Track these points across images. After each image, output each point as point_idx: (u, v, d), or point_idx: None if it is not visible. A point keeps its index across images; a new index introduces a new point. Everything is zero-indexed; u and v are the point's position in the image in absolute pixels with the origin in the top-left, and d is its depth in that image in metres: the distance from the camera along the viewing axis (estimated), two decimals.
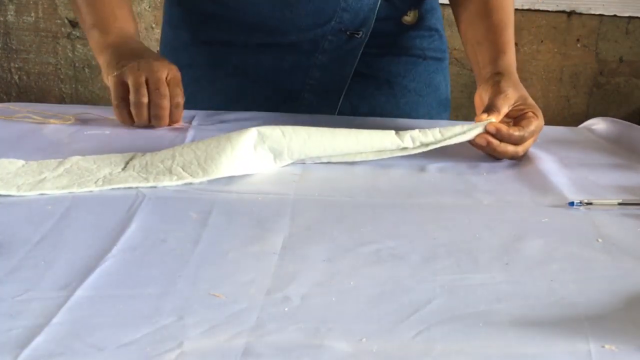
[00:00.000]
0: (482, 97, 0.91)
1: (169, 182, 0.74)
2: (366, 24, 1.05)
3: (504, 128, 0.84)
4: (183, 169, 0.76)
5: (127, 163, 0.78)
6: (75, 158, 0.79)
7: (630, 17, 2.50)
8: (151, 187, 0.73)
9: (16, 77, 2.61)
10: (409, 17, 1.10)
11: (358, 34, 1.05)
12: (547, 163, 0.87)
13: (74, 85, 2.61)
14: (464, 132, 0.84)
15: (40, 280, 0.54)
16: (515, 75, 0.94)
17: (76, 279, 0.54)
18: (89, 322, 0.48)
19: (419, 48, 1.14)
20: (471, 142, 0.85)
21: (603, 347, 0.48)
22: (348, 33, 1.05)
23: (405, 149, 0.84)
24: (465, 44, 1.04)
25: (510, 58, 0.96)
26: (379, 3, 1.04)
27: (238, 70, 1.09)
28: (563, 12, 2.50)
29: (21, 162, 0.78)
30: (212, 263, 0.58)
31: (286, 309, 0.51)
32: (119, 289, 0.53)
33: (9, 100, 2.57)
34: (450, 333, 0.49)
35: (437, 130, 0.84)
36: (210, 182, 0.75)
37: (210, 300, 0.52)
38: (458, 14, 1.07)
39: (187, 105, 1.05)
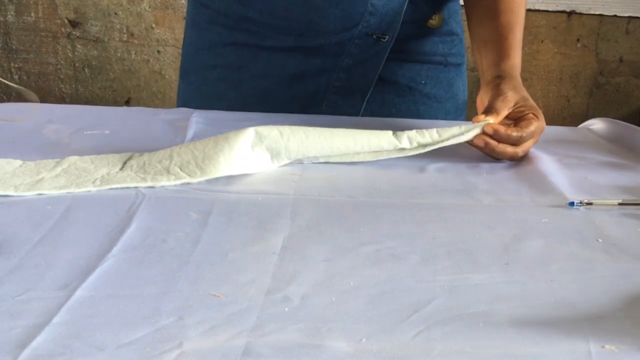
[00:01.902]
0: (482, 99, 0.91)
1: (166, 182, 0.74)
2: (392, 28, 1.05)
3: (501, 129, 0.84)
4: (181, 169, 0.76)
5: (124, 163, 0.78)
6: (72, 158, 0.79)
7: (630, 17, 2.50)
8: (149, 187, 0.74)
9: (16, 77, 2.61)
10: (434, 21, 1.09)
11: (384, 38, 1.05)
12: (547, 163, 0.87)
13: (74, 85, 2.61)
14: (461, 133, 0.84)
15: (40, 280, 0.54)
16: (517, 79, 0.93)
17: (76, 279, 0.54)
18: (89, 322, 0.48)
19: (441, 54, 1.14)
20: (470, 143, 0.85)
21: (603, 347, 0.48)
22: (374, 37, 1.05)
23: (402, 149, 0.84)
24: (472, 44, 1.04)
25: (513, 61, 0.95)
26: (405, 6, 1.04)
27: (265, 72, 1.09)
28: (563, 12, 2.50)
29: (18, 162, 0.78)
30: (212, 263, 0.58)
31: (286, 309, 0.51)
32: (119, 289, 0.53)
33: (9, 100, 2.57)
34: (450, 333, 0.49)
35: (434, 130, 0.84)
36: (210, 182, 0.75)
37: (210, 300, 0.52)
38: (469, 13, 1.07)
39: (212, 106, 1.05)
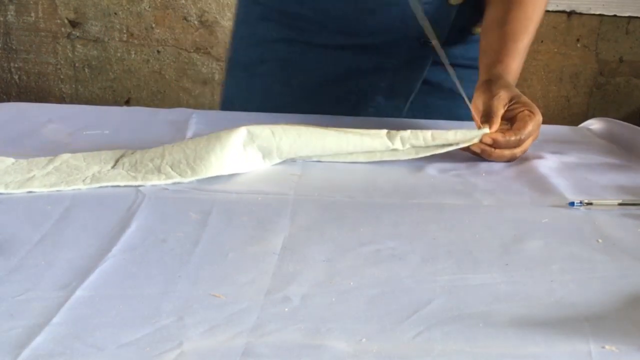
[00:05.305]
0: (476, 104, 0.91)
1: (157, 181, 0.74)
2: (439, 33, 1.06)
3: (500, 137, 0.84)
4: (172, 168, 0.76)
5: (116, 161, 0.78)
6: (65, 156, 0.79)
7: (630, 17, 2.50)
8: (148, 186, 0.74)
9: (16, 77, 2.61)
10: (479, 28, 1.10)
11: (431, 42, 1.06)
12: (547, 163, 0.87)
13: (74, 85, 2.61)
14: (457, 141, 0.84)
15: (40, 280, 0.54)
16: (506, 80, 0.93)
17: (76, 279, 0.54)
18: (89, 322, 0.48)
19: None
20: (465, 149, 0.85)
21: (603, 347, 0.48)
22: (422, 40, 1.07)
23: (395, 150, 0.83)
24: (479, 53, 1.05)
25: (507, 65, 0.95)
26: (453, 15, 1.05)
27: (313, 68, 1.11)
28: (563, 12, 2.50)
29: (11, 159, 0.78)
30: (212, 263, 0.58)
31: (286, 309, 0.51)
32: (119, 289, 0.53)
33: (9, 100, 2.57)
34: (450, 333, 0.49)
35: (429, 133, 0.83)
36: (210, 182, 0.75)
37: (210, 300, 0.52)
38: (483, 19, 1.07)
39: (257, 101, 1.08)
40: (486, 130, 0.85)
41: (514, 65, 0.96)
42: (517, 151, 0.86)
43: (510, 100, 0.88)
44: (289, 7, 1.09)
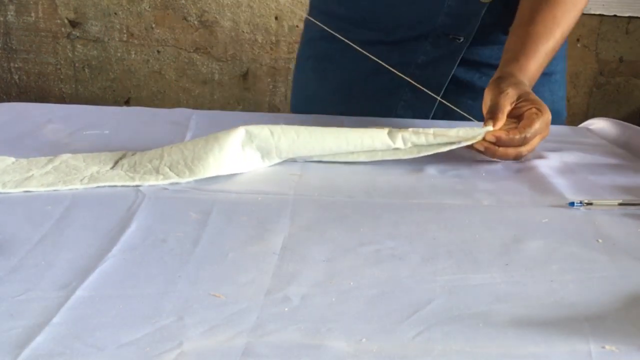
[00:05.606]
0: (485, 101, 0.90)
1: (154, 182, 0.74)
2: (467, 30, 1.07)
3: (503, 135, 0.83)
4: (170, 169, 0.76)
5: (116, 162, 0.79)
6: (65, 156, 0.79)
7: (630, 17, 2.50)
8: (147, 186, 0.74)
9: (16, 77, 2.61)
10: None
11: (459, 39, 1.08)
12: (547, 163, 0.87)
13: (74, 85, 2.61)
14: (459, 140, 0.83)
15: (40, 280, 0.54)
16: (517, 78, 0.92)
17: (76, 279, 0.54)
18: (89, 322, 0.48)
19: None
20: (469, 147, 0.84)
21: (603, 347, 0.48)
22: (450, 37, 1.08)
23: (396, 150, 0.83)
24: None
25: (521, 66, 0.94)
26: (483, 12, 1.05)
27: (348, 64, 1.16)
28: None
29: (11, 159, 0.78)
30: (212, 263, 0.58)
31: (286, 309, 0.51)
32: (119, 289, 0.53)
33: (9, 101, 2.57)
34: (450, 333, 0.49)
35: (430, 131, 0.83)
36: (210, 182, 0.76)
37: (210, 300, 0.52)
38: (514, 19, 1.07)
39: (300, 94, 1.20)
40: (489, 127, 0.84)
41: (531, 66, 0.95)
42: (523, 150, 0.85)
43: (519, 98, 0.87)
44: (328, 6, 1.17)
